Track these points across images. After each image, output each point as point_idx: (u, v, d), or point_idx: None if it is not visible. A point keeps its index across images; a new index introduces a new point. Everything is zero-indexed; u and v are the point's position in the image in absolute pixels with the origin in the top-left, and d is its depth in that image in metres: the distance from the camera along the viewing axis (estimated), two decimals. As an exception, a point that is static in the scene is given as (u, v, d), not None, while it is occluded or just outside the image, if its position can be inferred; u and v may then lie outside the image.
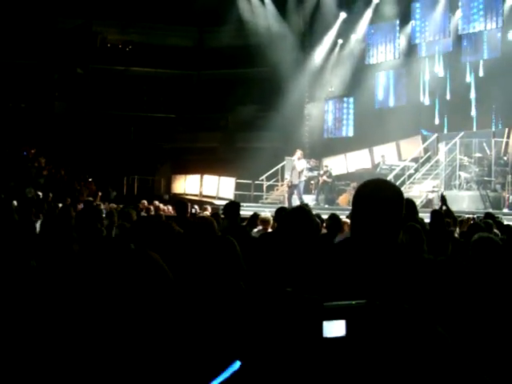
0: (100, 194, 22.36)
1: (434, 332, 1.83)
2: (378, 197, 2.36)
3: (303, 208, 3.58)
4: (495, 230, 7.45)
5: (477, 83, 22.46)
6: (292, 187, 19.33)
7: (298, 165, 19.06)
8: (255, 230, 8.53)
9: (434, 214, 7.17)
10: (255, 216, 9.09)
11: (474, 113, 22.97)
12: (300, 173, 18.93)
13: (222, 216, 7.81)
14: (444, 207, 9.03)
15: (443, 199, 8.95)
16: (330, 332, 1.83)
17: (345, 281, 2.28)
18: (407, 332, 1.80)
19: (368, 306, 1.84)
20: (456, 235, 7.72)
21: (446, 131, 23.21)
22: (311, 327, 1.82)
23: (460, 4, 21.70)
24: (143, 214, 13.04)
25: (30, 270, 4.72)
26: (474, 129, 22.61)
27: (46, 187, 21.03)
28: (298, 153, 19.37)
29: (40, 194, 18.72)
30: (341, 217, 8.06)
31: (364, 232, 2.37)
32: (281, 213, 6.92)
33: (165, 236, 3.53)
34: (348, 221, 7.52)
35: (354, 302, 1.86)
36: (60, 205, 14.68)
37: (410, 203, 6.94)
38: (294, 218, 3.27)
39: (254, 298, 2.24)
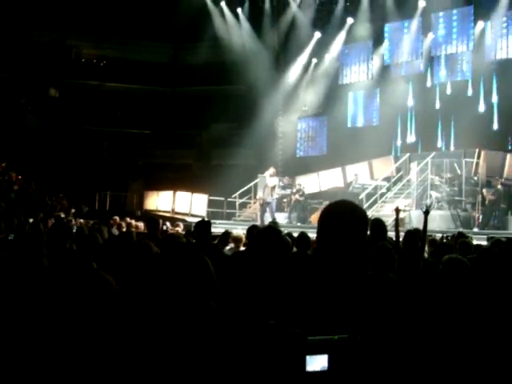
0: (73, 210, 22.13)
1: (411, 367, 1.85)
2: (345, 217, 2.40)
3: (273, 228, 3.58)
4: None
5: (448, 104, 22.78)
6: (264, 205, 19.32)
7: (269, 181, 19.08)
8: (227, 247, 8.51)
9: (407, 234, 7.22)
10: (226, 234, 9.07)
11: (445, 133, 23.29)
12: (272, 190, 18.93)
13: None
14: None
15: (427, 213, 8.97)
16: (313, 366, 1.84)
17: (312, 302, 2.28)
18: (387, 366, 1.81)
19: (350, 341, 1.85)
20: (425, 254, 7.78)
21: (417, 151, 23.44)
22: (294, 361, 1.83)
23: (432, 27, 22.06)
24: (114, 230, 12.93)
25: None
26: (445, 149, 22.93)
27: (16, 202, 20.75)
28: (271, 170, 19.44)
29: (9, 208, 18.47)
30: (313, 235, 8.08)
31: (329, 250, 2.39)
32: (252, 231, 6.91)
33: (141, 258, 3.43)
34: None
35: (335, 337, 1.88)
36: (31, 220, 14.51)
37: (380, 223, 6.98)
38: (264, 238, 3.27)
39: (234, 328, 2.21)
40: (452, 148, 22.82)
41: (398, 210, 8.99)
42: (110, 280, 2.71)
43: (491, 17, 20.79)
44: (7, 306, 3.54)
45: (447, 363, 3.32)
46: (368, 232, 2.47)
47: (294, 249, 6.98)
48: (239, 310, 2.63)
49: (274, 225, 9.55)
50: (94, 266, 3.71)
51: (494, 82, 21.71)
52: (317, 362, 1.85)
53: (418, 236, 8.24)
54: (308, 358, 1.84)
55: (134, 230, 12.35)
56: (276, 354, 1.89)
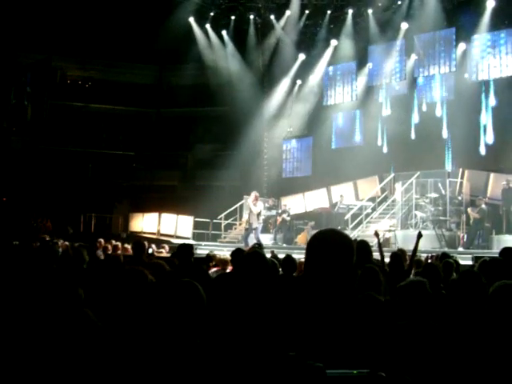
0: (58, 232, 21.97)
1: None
2: (330, 244, 2.48)
3: (258, 253, 3.58)
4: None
5: (431, 124, 22.97)
6: (250, 229, 19.08)
7: (254, 209, 18.77)
8: (213, 269, 8.47)
9: (393, 256, 7.24)
10: (209, 257, 9.07)
11: (428, 153, 23.45)
12: (258, 215, 18.75)
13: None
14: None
15: (418, 238, 9.03)
16: None
17: (303, 327, 2.29)
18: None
19: (370, 377, 1.85)
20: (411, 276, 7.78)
21: (402, 171, 23.57)
22: None
23: (414, 48, 22.32)
24: (100, 252, 12.83)
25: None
26: (430, 169, 23.07)
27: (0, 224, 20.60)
28: (253, 195, 18.98)
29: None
30: (299, 256, 8.07)
31: (317, 276, 2.45)
32: (237, 255, 6.90)
33: (136, 286, 3.35)
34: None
35: (355, 372, 1.88)
36: (16, 243, 14.38)
37: (365, 245, 6.99)
38: (249, 264, 3.27)
39: (254, 359, 2.18)
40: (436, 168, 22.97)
41: (377, 234, 9.06)
42: (93, 318, 2.63)
43: (472, 39, 21.08)
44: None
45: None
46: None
47: (280, 271, 6.96)
48: (231, 335, 2.59)
49: (258, 248, 9.54)
50: (81, 294, 3.65)
51: (483, 100, 21.90)
52: None
53: (403, 257, 8.28)
54: None
55: (120, 252, 12.29)
56: None
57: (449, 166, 22.54)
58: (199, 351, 2.69)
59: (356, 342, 2.28)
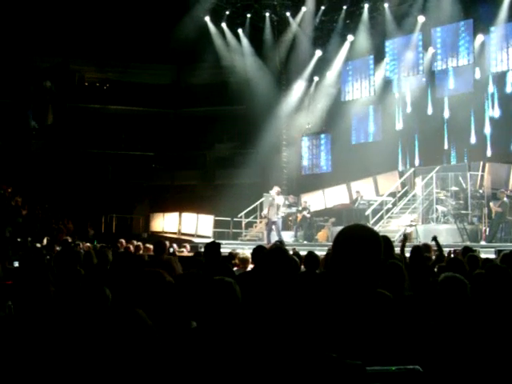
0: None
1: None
2: (357, 239, 2.46)
3: (280, 249, 3.56)
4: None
5: (451, 118, 22.82)
6: (270, 224, 19.26)
7: (277, 200, 19.04)
8: (234, 269, 8.47)
9: (414, 249, 7.19)
10: (232, 255, 9.05)
11: (449, 147, 23.31)
12: (278, 209, 18.89)
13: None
14: (435, 247, 9.16)
15: (435, 240, 9.08)
16: None
17: (328, 323, 2.29)
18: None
19: (408, 372, 1.85)
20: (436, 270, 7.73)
21: (422, 165, 23.42)
22: None
23: (432, 41, 22.15)
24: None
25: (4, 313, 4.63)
26: (450, 163, 22.92)
27: (23, 227, 20.79)
28: (275, 189, 19.38)
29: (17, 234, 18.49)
30: (320, 253, 8.04)
31: (343, 272, 2.44)
32: (259, 252, 6.88)
33: (153, 287, 3.35)
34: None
35: (393, 368, 1.88)
36: (38, 245, 14.53)
37: (386, 240, 6.97)
38: (271, 260, 3.26)
39: (295, 360, 2.17)
40: (456, 162, 22.82)
41: (405, 238, 9.12)
42: (143, 315, 2.59)
43: (490, 30, 20.88)
44: (13, 337, 3.51)
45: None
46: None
47: (302, 268, 6.95)
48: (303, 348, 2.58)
49: (280, 244, 9.53)
50: (108, 294, 3.66)
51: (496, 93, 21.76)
52: None
53: (426, 251, 8.23)
54: None
55: (142, 252, 12.36)
56: None
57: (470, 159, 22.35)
58: (234, 348, 2.69)
59: (386, 338, 2.27)
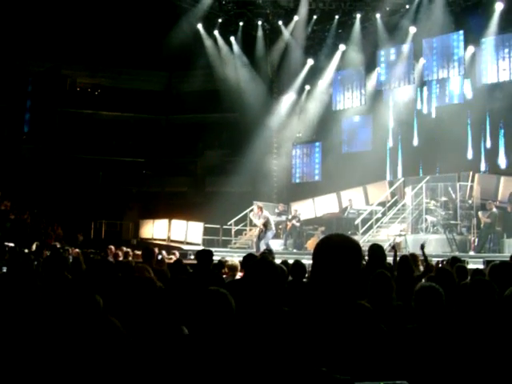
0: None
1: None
2: (336, 249, 2.45)
3: (266, 260, 3.57)
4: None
5: (441, 128, 22.93)
6: (261, 235, 18.81)
7: (257, 222, 18.77)
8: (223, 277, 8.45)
9: (402, 259, 7.21)
10: (221, 263, 9.04)
11: (438, 157, 23.38)
12: (267, 224, 18.50)
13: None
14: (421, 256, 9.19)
15: (422, 249, 9.11)
16: None
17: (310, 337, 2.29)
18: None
19: None
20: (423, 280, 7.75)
21: (411, 175, 23.51)
22: None
23: (423, 52, 22.29)
24: (110, 259, 12.86)
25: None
26: (439, 173, 23.00)
27: (11, 232, 20.67)
28: (255, 208, 19.03)
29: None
30: (309, 261, 8.05)
31: (322, 282, 2.42)
32: (249, 261, 6.88)
33: (144, 293, 3.34)
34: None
35: (382, 383, 1.88)
36: (26, 250, 14.44)
37: (379, 249, 7.01)
38: (259, 270, 3.26)
39: (285, 374, 2.16)
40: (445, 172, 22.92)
41: (394, 249, 9.12)
42: (117, 324, 2.60)
43: (480, 42, 21.04)
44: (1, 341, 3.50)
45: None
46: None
47: (290, 277, 6.95)
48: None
49: (268, 253, 9.53)
50: (99, 301, 3.65)
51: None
52: None
53: (414, 261, 8.25)
54: None
55: (131, 259, 12.31)
56: None
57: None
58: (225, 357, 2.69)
59: (365, 350, 2.26)
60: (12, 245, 16.72)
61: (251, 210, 21.37)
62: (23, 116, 30.39)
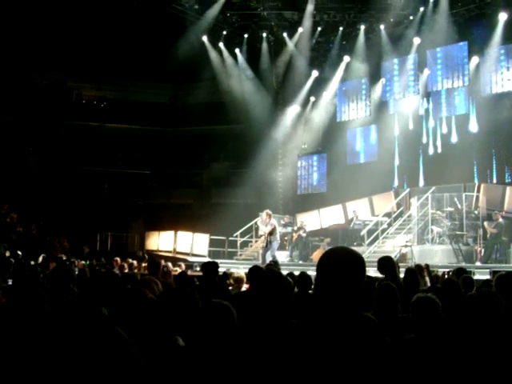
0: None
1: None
2: (338, 262, 2.49)
3: (274, 271, 3.57)
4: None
5: (446, 139, 22.92)
6: (268, 245, 18.65)
7: (264, 229, 18.50)
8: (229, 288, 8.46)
9: (407, 272, 7.20)
10: (226, 275, 9.05)
11: (444, 168, 23.34)
12: (273, 232, 18.37)
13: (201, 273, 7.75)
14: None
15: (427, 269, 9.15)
16: None
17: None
18: None
19: None
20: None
21: (417, 186, 23.48)
22: None
23: (427, 63, 22.33)
24: (116, 271, 12.87)
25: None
26: (446, 183, 22.95)
27: (18, 244, 20.73)
28: (264, 215, 18.78)
29: (9, 251, 18.41)
30: (315, 273, 8.04)
31: (326, 293, 2.46)
32: (254, 273, 6.88)
33: (134, 304, 3.35)
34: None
35: None
36: (32, 262, 14.46)
37: (390, 261, 7.04)
38: (266, 282, 3.27)
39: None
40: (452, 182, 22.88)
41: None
42: (123, 334, 2.59)
43: (485, 52, 21.07)
44: (7, 355, 3.50)
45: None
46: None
47: (296, 289, 6.95)
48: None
49: (274, 265, 9.53)
50: (104, 312, 3.65)
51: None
52: None
53: (419, 272, 8.24)
54: None
55: (136, 271, 12.34)
56: None
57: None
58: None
59: (368, 362, 2.27)
60: (19, 253, 16.78)
61: (259, 217, 21.33)
62: (29, 128, 30.47)
